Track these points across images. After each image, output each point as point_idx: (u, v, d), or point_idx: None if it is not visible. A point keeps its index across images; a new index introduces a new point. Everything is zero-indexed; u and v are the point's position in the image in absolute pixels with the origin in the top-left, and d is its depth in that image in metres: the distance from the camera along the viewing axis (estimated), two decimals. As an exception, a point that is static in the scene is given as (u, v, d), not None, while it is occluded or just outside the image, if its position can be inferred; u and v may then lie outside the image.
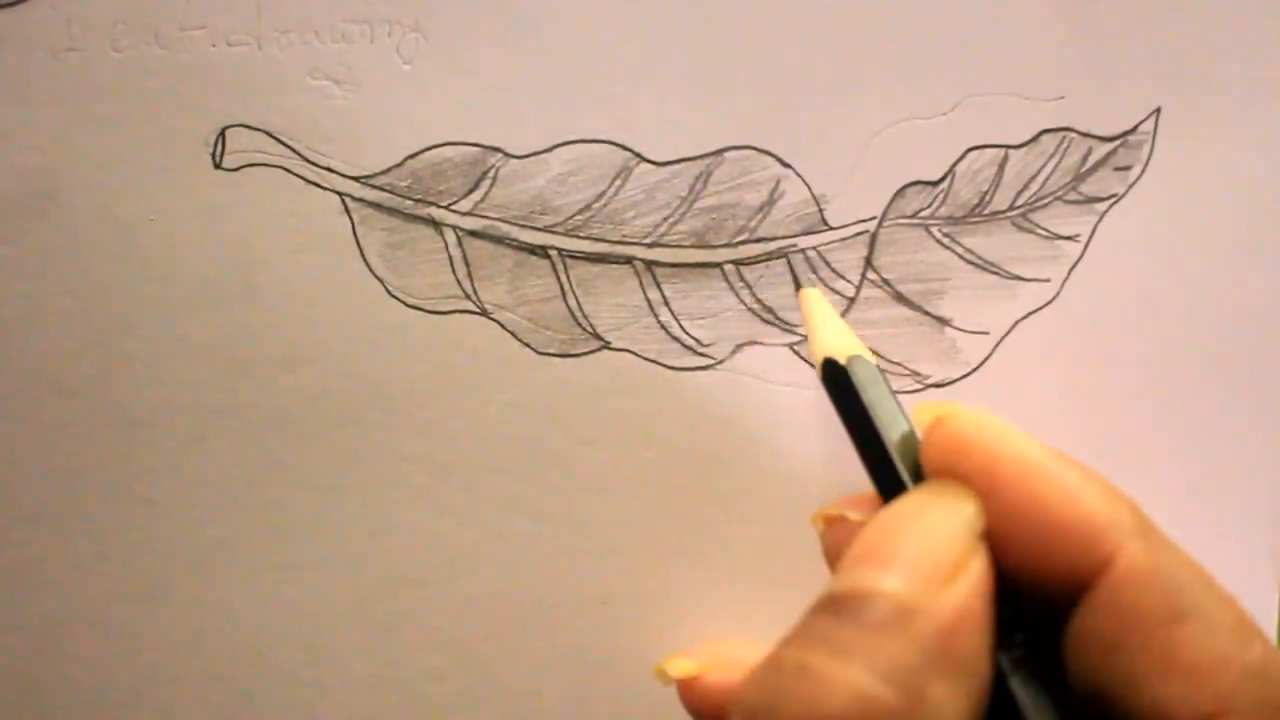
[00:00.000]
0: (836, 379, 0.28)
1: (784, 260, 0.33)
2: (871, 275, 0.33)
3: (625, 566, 0.33)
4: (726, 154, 0.32)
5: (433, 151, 0.32)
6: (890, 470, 0.26)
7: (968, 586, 0.22)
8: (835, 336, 0.29)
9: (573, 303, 0.33)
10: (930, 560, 0.22)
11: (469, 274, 0.32)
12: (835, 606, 0.22)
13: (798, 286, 0.32)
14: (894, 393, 0.27)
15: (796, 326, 0.33)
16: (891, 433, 0.26)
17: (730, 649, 0.31)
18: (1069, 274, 0.34)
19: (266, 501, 0.33)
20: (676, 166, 0.32)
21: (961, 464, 0.24)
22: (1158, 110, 0.33)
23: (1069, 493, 0.23)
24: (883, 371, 0.28)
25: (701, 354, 0.33)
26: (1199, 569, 0.24)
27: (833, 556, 0.29)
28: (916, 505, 0.24)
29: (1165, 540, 0.24)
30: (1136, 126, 0.33)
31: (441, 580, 0.33)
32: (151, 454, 0.32)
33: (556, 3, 0.32)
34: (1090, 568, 0.23)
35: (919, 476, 0.26)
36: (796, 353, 0.33)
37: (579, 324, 0.33)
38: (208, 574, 0.33)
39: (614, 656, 0.33)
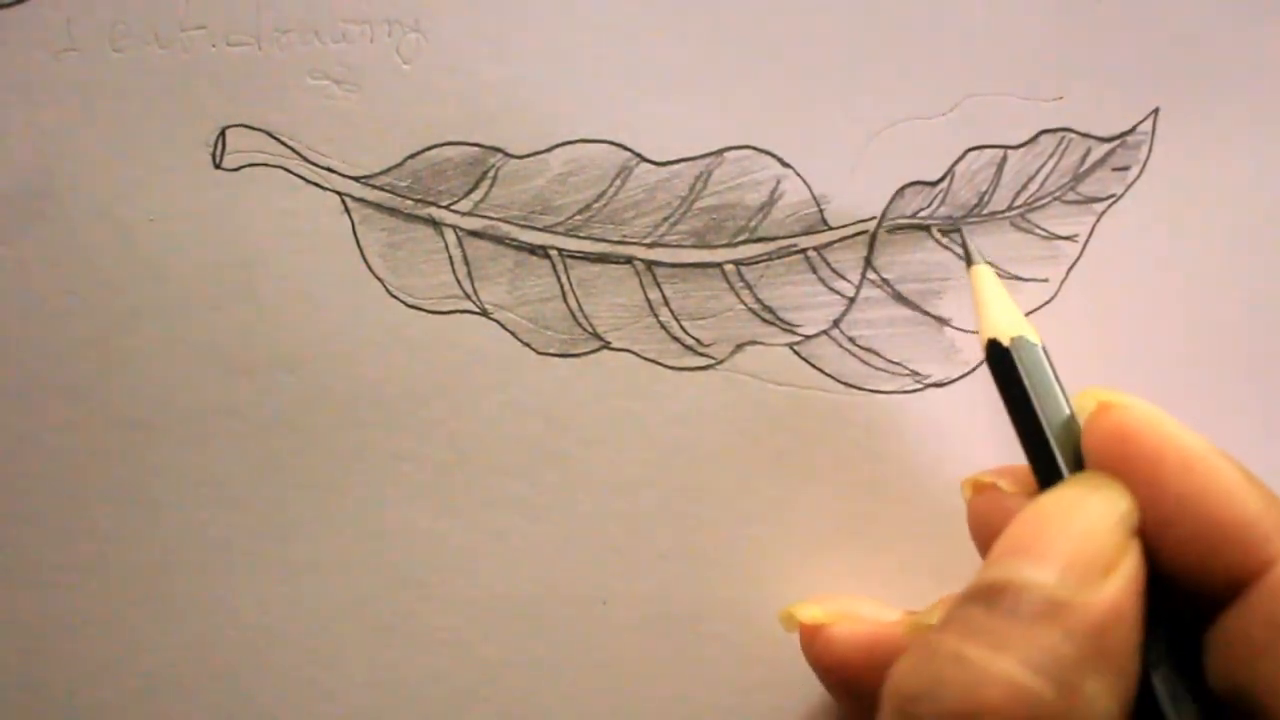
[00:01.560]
0: (1000, 360, 0.28)
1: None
2: (871, 275, 0.33)
3: (625, 566, 0.33)
4: (726, 154, 0.32)
5: (433, 151, 0.32)
6: (1048, 456, 0.26)
7: (1122, 582, 0.22)
8: (1002, 316, 0.29)
9: (573, 303, 0.33)
10: (1086, 555, 0.23)
11: (469, 274, 0.32)
12: (989, 596, 0.22)
13: (969, 262, 0.31)
14: (1058, 377, 0.27)
15: (797, 327, 0.33)
16: (1053, 417, 0.26)
17: (857, 604, 0.31)
18: (1067, 274, 0.34)
19: (267, 501, 0.33)
20: (677, 166, 0.32)
21: (1124, 454, 0.24)
22: (1156, 111, 0.33)
23: (1234, 492, 0.23)
24: (1048, 354, 0.28)
25: (701, 354, 0.33)
26: None
27: (976, 524, 0.29)
28: (1073, 498, 0.24)
29: None
30: (1135, 127, 0.33)
31: (441, 580, 0.33)
32: (151, 454, 0.32)
33: (556, 3, 0.32)
34: (1247, 570, 0.23)
35: (1079, 463, 0.26)
36: (796, 352, 0.33)
37: (579, 324, 0.33)
38: (208, 574, 0.33)
39: (614, 656, 0.33)
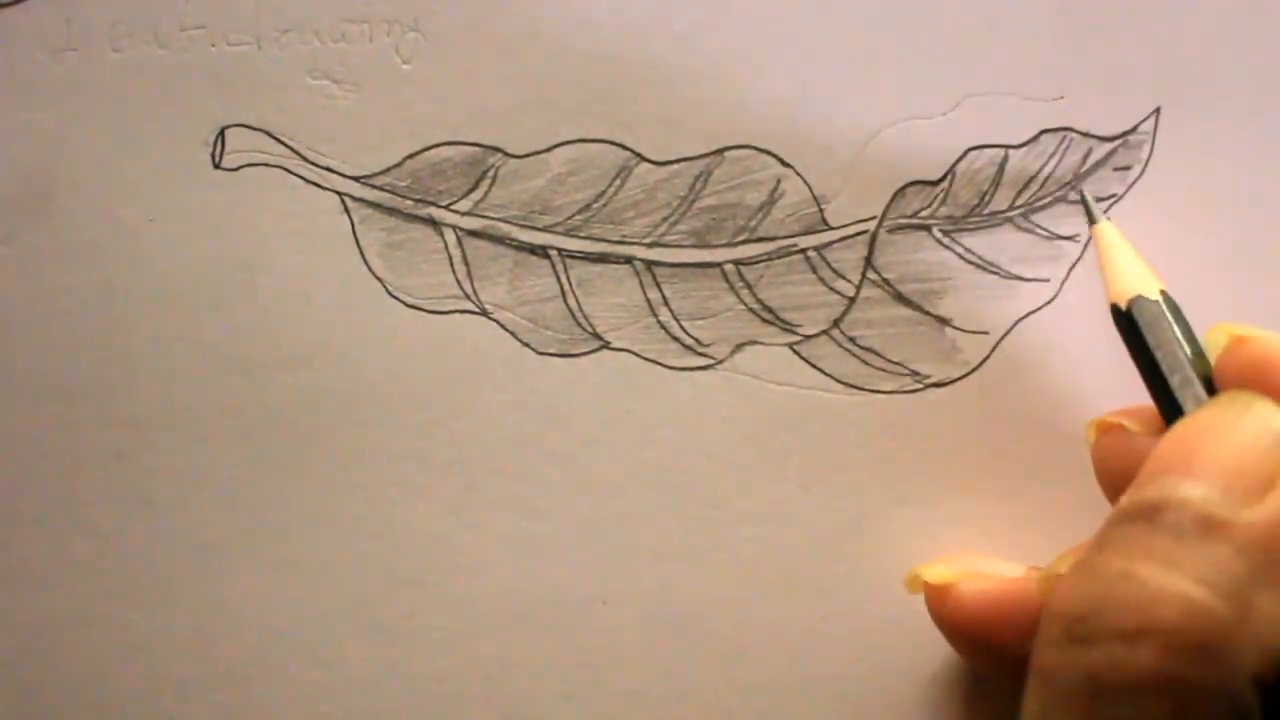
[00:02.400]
0: (1128, 317, 0.28)
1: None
2: (871, 275, 0.33)
3: (625, 566, 0.33)
4: (726, 153, 0.32)
5: (432, 151, 0.32)
6: (1186, 389, 0.26)
7: None
8: (1127, 276, 0.29)
9: (572, 302, 0.33)
10: (1247, 470, 0.22)
11: (469, 274, 0.32)
12: (1149, 514, 0.22)
13: (1092, 221, 0.31)
14: (1187, 324, 0.28)
15: (797, 326, 0.33)
16: (1184, 354, 0.27)
17: (980, 561, 0.31)
18: (1069, 274, 0.34)
19: (267, 501, 0.33)
20: (676, 166, 0.32)
21: (1260, 383, 0.24)
22: (1158, 110, 0.33)
23: None
24: (1176, 307, 0.28)
25: (701, 354, 0.33)
26: None
27: (1102, 467, 0.29)
28: (1224, 416, 0.24)
29: None
30: (1136, 126, 0.33)
31: (441, 580, 0.33)
32: (151, 454, 0.32)
33: (556, 2, 0.32)
34: None
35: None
36: (797, 352, 0.33)
37: (579, 324, 0.33)
38: (208, 574, 0.33)
39: (614, 656, 0.33)
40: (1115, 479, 0.28)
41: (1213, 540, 0.22)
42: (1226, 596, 0.21)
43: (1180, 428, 0.24)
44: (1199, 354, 0.27)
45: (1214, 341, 0.26)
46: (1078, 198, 0.33)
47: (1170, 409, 0.27)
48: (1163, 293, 0.29)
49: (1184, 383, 0.27)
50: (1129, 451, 0.28)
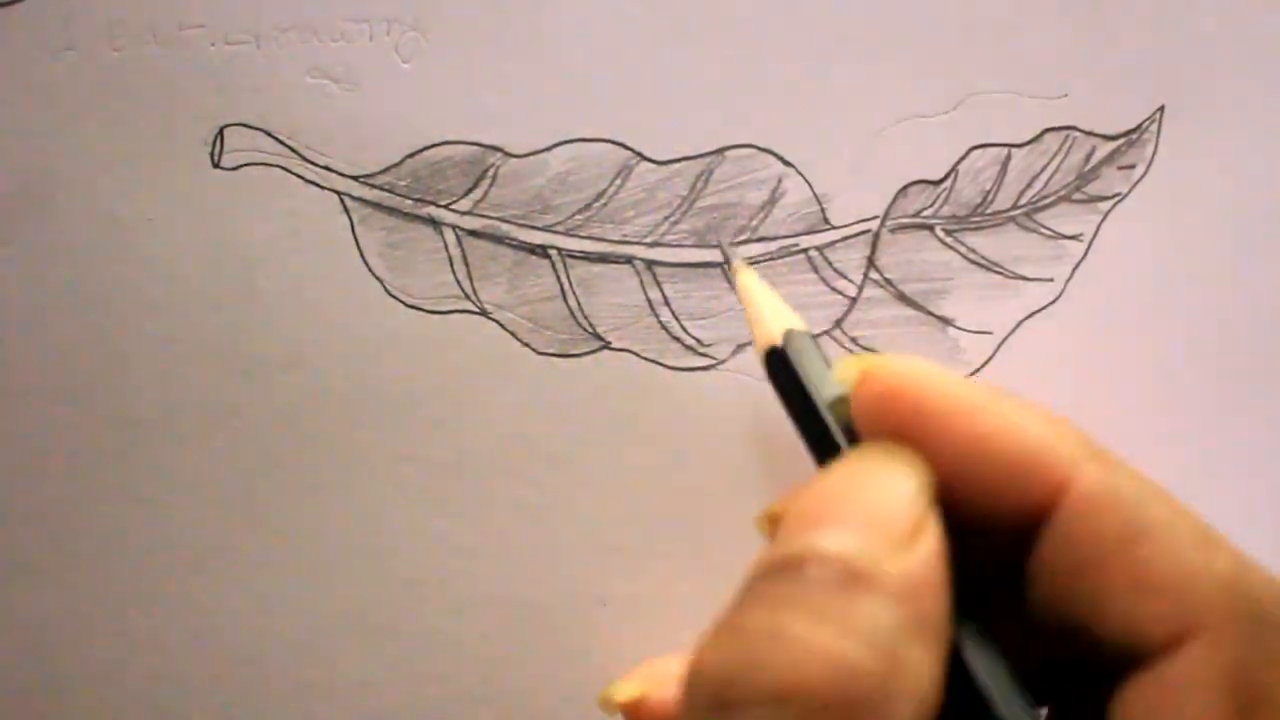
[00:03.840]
0: (773, 362, 0.27)
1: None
2: (874, 275, 0.33)
3: (625, 566, 0.33)
4: (727, 153, 0.32)
5: (432, 150, 0.32)
6: (826, 435, 0.25)
7: (929, 546, 0.22)
8: (774, 317, 0.27)
9: (573, 302, 0.33)
10: (891, 522, 0.22)
11: (468, 274, 0.32)
12: (791, 569, 0.21)
13: (727, 262, 0.30)
14: (828, 362, 0.26)
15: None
16: (826, 395, 0.25)
17: (662, 665, 0.31)
18: (1072, 273, 0.34)
19: (266, 501, 0.33)
20: (677, 165, 0.32)
21: (896, 415, 0.23)
22: (1161, 109, 0.33)
23: (1010, 425, 0.23)
24: (816, 340, 0.27)
25: (702, 354, 0.33)
26: (1157, 486, 0.23)
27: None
28: (861, 467, 0.23)
29: (1119, 461, 0.23)
30: (1140, 125, 0.33)
31: (441, 580, 0.33)
32: (151, 454, 0.32)
33: (556, 2, 0.32)
34: (1044, 496, 0.23)
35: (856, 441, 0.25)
36: (798, 353, 0.33)
37: (579, 324, 0.33)
38: (207, 574, 0.33)
39: (614, 656, 0.33)
40: None
41: (859, 593, 0.21)
42: (876, 651, 0.20)
43: (820, 480, 0.23)
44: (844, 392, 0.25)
45: (845, 379, 0.24)
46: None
47: (822, 447, 0.25)
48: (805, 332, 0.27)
49: (825, 429, 0.25)
50: None
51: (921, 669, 0.21)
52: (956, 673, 0.22)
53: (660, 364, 0.33)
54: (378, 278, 0.32)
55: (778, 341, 0.27)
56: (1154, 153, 0.33)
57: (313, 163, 0.32)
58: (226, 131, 0.31)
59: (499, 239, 0.32)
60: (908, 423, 0.23)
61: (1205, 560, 0.22)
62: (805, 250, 0.33)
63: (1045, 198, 0.33)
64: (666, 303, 0.33)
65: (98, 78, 0.31)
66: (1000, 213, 0.33)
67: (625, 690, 0.31)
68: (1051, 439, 0.23)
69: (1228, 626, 0.22)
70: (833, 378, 0.25)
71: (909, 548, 0.22)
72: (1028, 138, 0.33)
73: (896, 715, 0.20)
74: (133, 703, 0.33)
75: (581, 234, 0.32)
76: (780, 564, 0.22)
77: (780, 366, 0.26)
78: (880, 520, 0.22)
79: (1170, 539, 0.22)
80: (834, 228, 0.33)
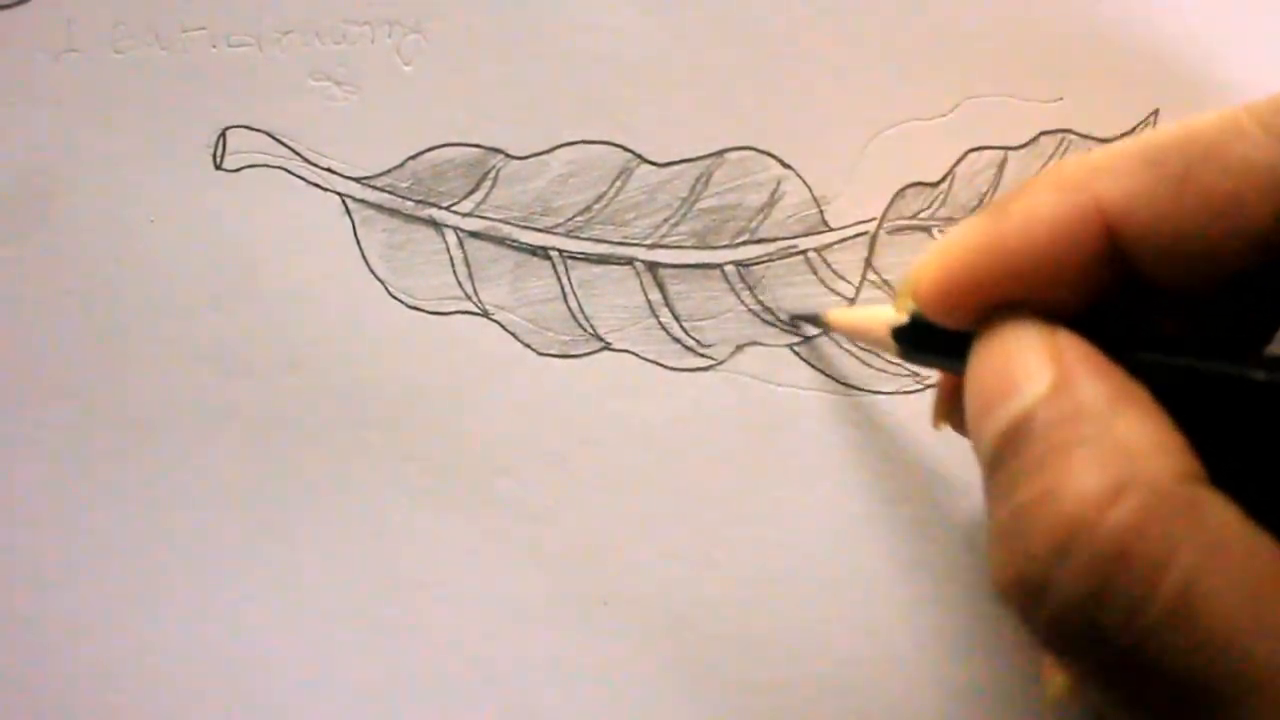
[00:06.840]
0: (912, 337, 0.27)
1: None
2: (872, 276, 0.33)
3: (625, 566, 0.33)
4: (727, 155, 0.33)
5: (433, 152, 0.32)
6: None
7: (1074, 353, 0.23)
8: (879, 309, 0.29)
9: (573, 304, 0.33)
10: (1039, 367, 0.23)
11: (470, 275, 0.32)
12: (1023, 427, 0.22)
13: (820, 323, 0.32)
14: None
15: (797, 327, 0.33)
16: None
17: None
18: (1068, 275, 0.34)
19: (267, 501, 0.33)
20: (677, 167, 0.32)
21: (961, 295, 0.25)
22: (1156, 112, 0.33)
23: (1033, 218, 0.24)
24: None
25: (702, 355, 0.33)
26: None
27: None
28: (990, 344, 0.24)
29: None
30: (1135, 128, 0.33)
31: (442, 580, 0.33)
32: (151, 454, 0.32)
33: (556, 3, 0.32)
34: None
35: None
36: (796, 353, 0.33)
37: (580, 325, 0.33)
38: (208, 574, 0.33)
39: (614, 656, 0.33)
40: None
41: (1077, 414, 0.22)
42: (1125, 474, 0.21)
43: (972, 369, 0.24)
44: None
45: (902, 305, 0.26)
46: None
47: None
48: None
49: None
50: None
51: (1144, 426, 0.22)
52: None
53: (661, 365, 0.33)
54: (379, 279, 0.32)
55: (902, 320, 0.27)
56: (1148, 156, 0.33)
57: (314, 164, 0.32)
58: (229, 133, 0.31)
59: (500, 240, 0.33)
60: (977, 291, 0.25)
61: None
62: (804, 252, 0.33)
63: (1041, 200, 0.34)
64: (667, 304, 0.33)
65: (100, 80, 0.31)
66: (996, 215, 0.33)
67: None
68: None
69: None
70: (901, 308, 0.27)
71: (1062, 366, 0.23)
72: (1024, 141, 0.33)
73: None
74: (133, 703, 0.33)
75: (582, 235, 0.33)
76: (1009, 435, 0.23)
77: (919, 334, 0.27)
78: (1032, 371, 0.23)
79: None
80: (832, 230, 0.33)
